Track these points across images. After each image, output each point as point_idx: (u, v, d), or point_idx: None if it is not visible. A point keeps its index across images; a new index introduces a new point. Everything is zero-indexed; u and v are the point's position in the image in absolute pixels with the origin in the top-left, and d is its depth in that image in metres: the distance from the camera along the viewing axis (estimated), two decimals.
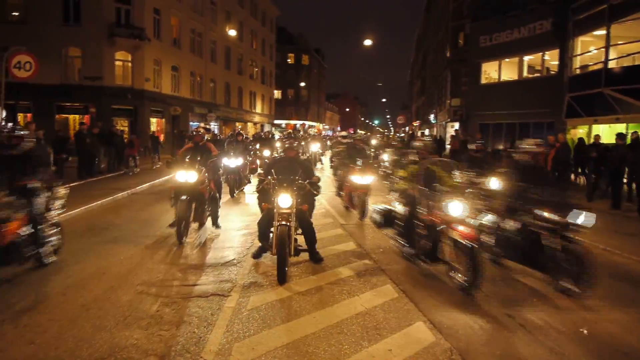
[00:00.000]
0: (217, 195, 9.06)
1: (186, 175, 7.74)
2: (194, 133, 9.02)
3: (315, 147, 24.24)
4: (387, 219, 7.36)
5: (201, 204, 8.06)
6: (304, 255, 6.80)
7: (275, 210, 6.21)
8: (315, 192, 6.93)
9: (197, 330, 4.60)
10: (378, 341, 4.44)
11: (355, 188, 10.24)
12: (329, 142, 31.23)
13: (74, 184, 14.01)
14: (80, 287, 5.70)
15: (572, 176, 15.30)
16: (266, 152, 17.20)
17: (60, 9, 26.79)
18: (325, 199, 12.69)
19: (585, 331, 4.75)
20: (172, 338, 4.41)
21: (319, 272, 6.47)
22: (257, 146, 18.44)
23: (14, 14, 27.32)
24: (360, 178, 10.06)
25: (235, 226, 9.43)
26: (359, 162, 10.48)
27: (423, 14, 56.60)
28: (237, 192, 13.17)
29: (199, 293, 5.59)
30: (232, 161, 12.89)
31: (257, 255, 6.83)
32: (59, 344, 4.24)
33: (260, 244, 6.77)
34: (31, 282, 5.89)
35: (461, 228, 5.71)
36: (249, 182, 14.67)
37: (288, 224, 6.09)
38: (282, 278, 5.91)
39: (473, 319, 4.97)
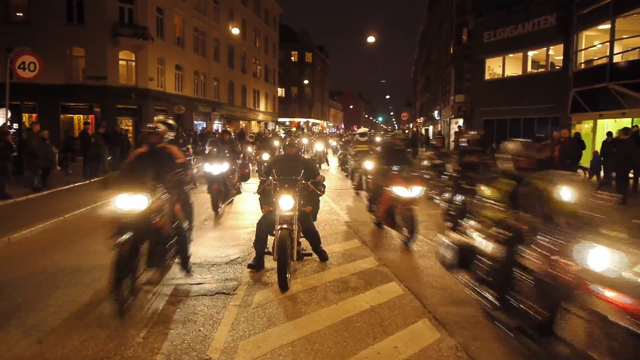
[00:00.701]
0: (188, 223, 6.22)
1: (131, 201, 5.04)
2: (148, 131, 5.98)
3: (319, 146, 22.64)
4: (466, 258, 5.06)
5: (159, 243, 5.39)
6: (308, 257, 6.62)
7: (276, 213, 5.85)
8: (319, 192, 6.45)
9: (203, 328, 4.61)
10: (384, 338, 4.44)
11: (398, 202, 7.88)
12: (333, 143, 30.10)
13: (78, 183, 14.08)
14: (86, 286, 5.73)
15: (580, 172, 15.17)
16: (264, 156, 15.18)
17: (64, 9, 26.86)
18: (330, 197, 12.67)
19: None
20: (177, 336, 4.42)
21: (323, 270, 6.47)
22: (250, 149, 17.42)
23: (18, 14, 27.43)
24: (405, 190, 7.69)
25: (240, 224, 9.43)
26: (395, 168, 8.17)
27: (427, 11, 56.43)
28: (222, 205, 10.59)
29: (204, 291, 5.61)
30: (214, 167, 10.48)
31: (254, 265, 6.33)
32: (65, 343, 4.26)
33: (256, 253, 6.31)
34: (38, 282, 5.92)
35: (613, 295, 3.29)
36: (239, 192, 12.13)
37: (290, 227, 5.75)
38: (283, 285, 5.55)
39: (479, 316, 4.95)
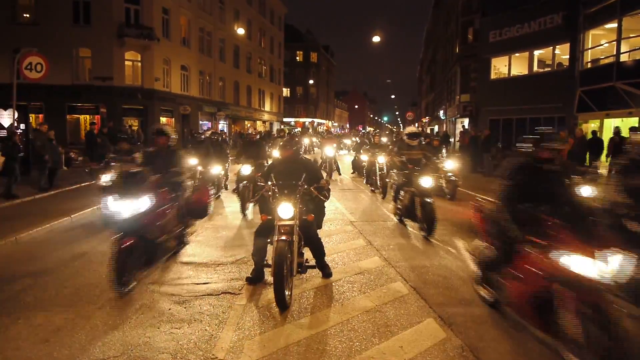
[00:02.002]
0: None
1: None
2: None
3: (329, 150, 17.73)
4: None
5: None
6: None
7: (275, 222, 5.30)
8: (323, 198, 5.91)
9: (209, 328, 4.63)
10: (389, 338, 4.44)
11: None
12: (347, 141, 27.76)
13: (85, 183, 14.14)
14: (93, 286, 5.76)
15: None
16: (244, 169, 10.43)
17: (70, 10, 27.10)
18: (334, 197, 12.66)
19: None
20: (184, 336, 4.44)
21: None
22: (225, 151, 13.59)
23: (24, 15, 27.65)
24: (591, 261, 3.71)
25: (247, 224, 9.45)
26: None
27: (432, 10, 56.31)
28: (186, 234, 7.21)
29: (210, 291, 5.62)
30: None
31: (253, 279, 5.81)
32: (72, 343, 4.29)
33: (255, 265, 5.83)
34: (45, 282, 5.96)
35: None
36: (203, 215, 7.90)
37: (289, 238, 5.16)
38: (282, 304, 4.96)
39: (484, 316, 4.95)
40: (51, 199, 12.17)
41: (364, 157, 16.04)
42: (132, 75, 29.02)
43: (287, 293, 5.03)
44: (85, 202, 11.28)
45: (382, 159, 13.37)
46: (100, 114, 27.31)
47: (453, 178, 12.71)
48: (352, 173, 19.21)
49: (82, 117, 28.43)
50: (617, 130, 15.56)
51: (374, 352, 4.16)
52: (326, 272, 6.01)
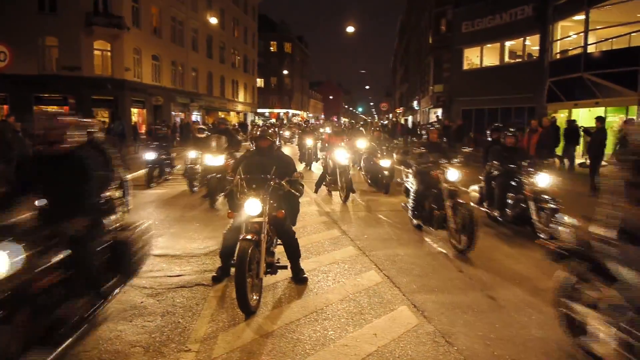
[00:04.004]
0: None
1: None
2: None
3: (341, 155, 11.05)
4: None
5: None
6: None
7: (242, 219, 5.00)
8: (296, 193, 5.57)
9: (182, 320, 4.59)
10: (363, 326, 4.48)
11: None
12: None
13: None
14: None
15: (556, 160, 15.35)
16: (208, 159, 10.17)
17: None
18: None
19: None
20: (156, 329, 4.39)
21: (303, 260, 6.46)
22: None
23: None
24: None
25: (221, 216, 9.37)
26: None
27: (406, 1, 56.50)
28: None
29: (183, 283, 5.57)
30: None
31: (219, 278, 5.53)
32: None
33: (222, 263, 5.57)
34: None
35: None
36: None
37: (255, 237, 4.76)
38: (245, 309, 4.57)
39: (456, 302, 5.04)
40: None
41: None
42: (101, 65, 28.34)
43: (253, 297, 4.72)
44: None
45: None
46: (68, 105, 26.64)
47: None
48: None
49: (49, 108, 27.63)
50: (570, 121, 15.97)
51: (348, 340, 4.20)
52: (299, 277, 5.56)
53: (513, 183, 7.79)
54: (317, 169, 17.03)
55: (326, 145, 12.19)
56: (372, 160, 12.38)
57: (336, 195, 11.33)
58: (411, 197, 7.83)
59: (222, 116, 35.67)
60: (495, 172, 8.17)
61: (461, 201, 6.77)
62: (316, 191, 11.46)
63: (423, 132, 14.73)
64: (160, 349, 4.02)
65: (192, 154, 11.71)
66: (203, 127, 13.59)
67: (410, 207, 7.89)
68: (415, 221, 7.94)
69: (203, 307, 4.88)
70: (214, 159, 9.96)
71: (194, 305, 4.95)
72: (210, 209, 10.00)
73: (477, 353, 3.98)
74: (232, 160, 9.46)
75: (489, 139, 9.48)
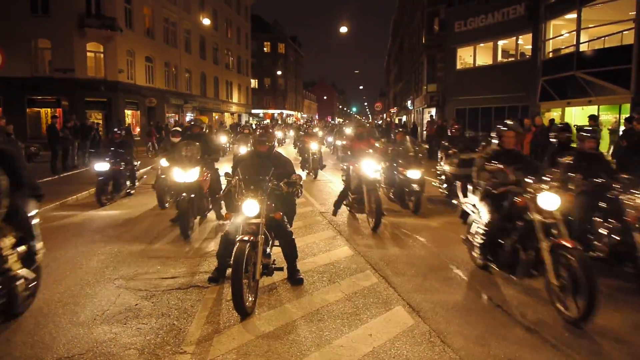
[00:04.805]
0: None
1: None
2: None
3: (369, 167, 8.71)
4: None
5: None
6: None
7: (239, 220, 5.00)
8: (295, 194, 5.56)
9: (177, 322, 4.57)
10: (358, 327, 4.48)
11: None
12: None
13: (47, 179, 13.74)
14: (57, 282, 5.61)
15: None
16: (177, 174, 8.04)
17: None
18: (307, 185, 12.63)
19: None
20: (151, 331, 4.37)
21: (298, 260, 6.46)
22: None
23: None
24: None
25: (214, 216, 9.34)
26: None
27: (399, 0, 56.56)
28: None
29: (179, 285, 5.55)
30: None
31: (215, 279, 5.51)
32: (34, 341, 4.17)
33: (218, 264, 5.58)
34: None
35: None
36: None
37: (252, 239, 4.74)
38: (241, 311, 4.57)
39: (451, 302, 5.05)
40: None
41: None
42: (94, 67, 28.20)
43: (249, 298, 4.70)
44: (46, 198, 10.93)
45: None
46: (62, 107, 26.52)
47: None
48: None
49: (42, 110, 27.52)
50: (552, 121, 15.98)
51: (343, 341, 4.19)
52: (295, 278, 5.56)
53: (602, 204, 5.66)
54: (324, 177, 15.83)
55: (348, 152, 9.56)
56: (395, 170, 10.03)
57: (362, 220, 8.90)
58: (479, 229, 5.60)
59: (196, 117, 34.98)
60: (574, 190, 5.92)
61: (566, 243, 4.48)
62: (335, 213, 9.17)
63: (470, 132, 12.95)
64: (155, 352, 4.00)
65: (163, 162, 9.57)
66: (178, 128, 11.35)
67: (477, 244, 5.61)
68: (480, 261, 5.72)
69: (198, 309, 4.87)
70: (184, 174, 7.71)
71: (189, 307, 4.93)
72: (181, 240, 7.59)
73: (473, 353, 3.99)
74: (210, 172, 8.32)
75: (553, 140, 7.38)
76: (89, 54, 27.88)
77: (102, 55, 28.36)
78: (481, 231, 5.52)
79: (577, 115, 19.24)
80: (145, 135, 25.55)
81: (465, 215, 6.39)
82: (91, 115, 27.48)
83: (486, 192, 5.59)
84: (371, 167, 8.44)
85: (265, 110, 73.45)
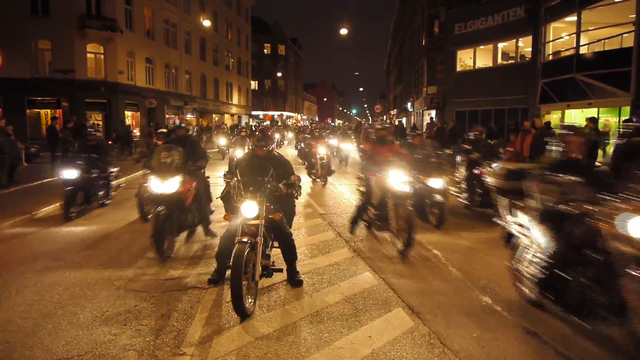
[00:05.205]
0: None
1: None
2: None
3: (397, 177, 7.10)
4: None
5: None
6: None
7: (238, 222, 4.98)
8: (294, 196, 5.56)
9: (177, 323, 4.57)
10: (358, 328, 4.47)
11: None
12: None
13: (47, 180, 13.74)
14: (57, 284, 5.60)
15: None
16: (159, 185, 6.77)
17: (28, 0, 26.08)
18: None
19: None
20: (151, 332, 4.37)
21: (297, 262, 6.45)
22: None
23: None
24: None
25: (216, 217, 9.32)
26: None
27: (399, 2, 56.63)
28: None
29: (178, 286, 5.54)
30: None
31: (215, 281, 5.50)
32: (33, 343, 4.16)
33: (217, 266, 5.55)
34: (4, 280, 5.76)
35: None
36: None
37: (251, 240, 4.75)
38: (240, 312, 4.56)
39: (451, 303, 5.04)
40: (12, 196, 11.75)
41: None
42: (94, 68, 28.20)
43: (249, 300, 4.68)
44: (47, 198, 10.93)
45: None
46: (62, 108, 26.51)
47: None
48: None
49: (42, 111, 27.52)
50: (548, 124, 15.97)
51: (343, 343, 4.19)
52: (295, 280, 5.52)
53: None
54: (333, 185, 13.99)
55: (367, 158, 8.14)
56: (414, 178, 8.02)
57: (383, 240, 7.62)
58: (536, 258, 4.45)
59: (183, 118, 34.62)
60: None
61: None
62: (352, 230, 7.91)
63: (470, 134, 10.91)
64: (155, 353, 4.00)
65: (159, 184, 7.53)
66: (163, 130, 10.25)
67: (532, 276, 4.44)
68: (533, 296, 4.55)
69: (198, 310, 4.86)
70: (162, 184, 6.64)
71: (188, 308, 4.92)
72: (160, 260, 6.43)
73: (473, 354, 3.99)
74: (195, 182, 7.23)
75: (619, 142, 6.27)
76: (89, 55, 27.88)
77: (102, 57, 28.36)
78: (540, 261, 4.35)
79: (576, 117, 19.25)
80: (146, 136, 25.54)
81: (509, 236, 5.33)
82: (91, 116, 27.55)
83: (547, 212, 4.39)
84: (399, 178, 7.00)
85: (265, 112, 73.49)
